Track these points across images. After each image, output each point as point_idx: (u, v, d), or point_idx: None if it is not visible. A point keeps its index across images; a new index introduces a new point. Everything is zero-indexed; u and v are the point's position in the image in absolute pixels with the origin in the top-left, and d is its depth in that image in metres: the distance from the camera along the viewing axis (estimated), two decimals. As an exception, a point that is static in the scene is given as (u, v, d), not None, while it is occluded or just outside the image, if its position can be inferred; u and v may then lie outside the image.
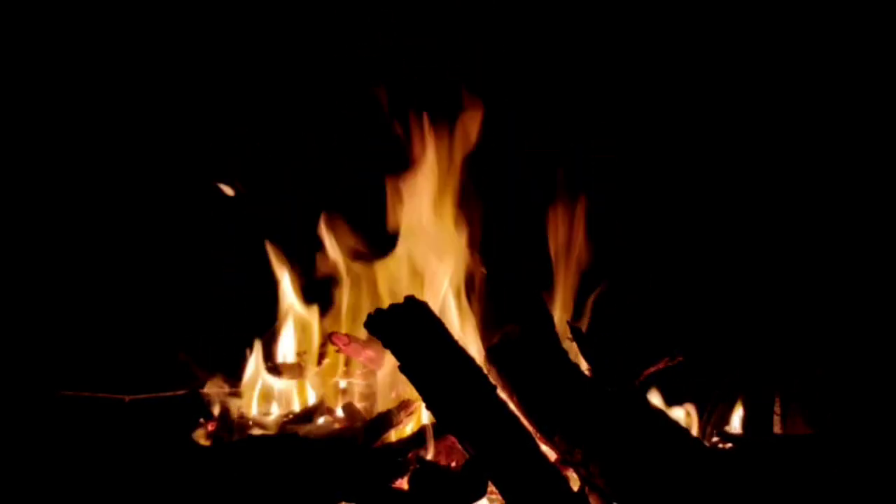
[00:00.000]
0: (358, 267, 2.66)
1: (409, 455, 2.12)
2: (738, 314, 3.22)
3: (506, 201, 2.99)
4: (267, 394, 2.63)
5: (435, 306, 2.19)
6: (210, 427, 2.44)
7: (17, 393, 2.60)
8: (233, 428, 2.44)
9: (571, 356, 2.24)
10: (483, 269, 2.56)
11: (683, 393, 2.51)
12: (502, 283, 2.53)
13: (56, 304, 3.24)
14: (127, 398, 2.54)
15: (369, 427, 2.23)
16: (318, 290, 2.75)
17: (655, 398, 2.49)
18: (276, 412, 2.56)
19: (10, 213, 3.28)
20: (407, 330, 2.04)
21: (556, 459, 2.05)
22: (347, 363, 2.68)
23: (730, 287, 3.32)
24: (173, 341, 2.85)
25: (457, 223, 2.58)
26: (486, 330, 2.47)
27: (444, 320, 2.15)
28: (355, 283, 2.67)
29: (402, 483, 2.07)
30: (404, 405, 2.31)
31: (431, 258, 2.52)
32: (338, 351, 2.63)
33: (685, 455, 1.96)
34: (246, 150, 3.42)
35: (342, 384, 2.64)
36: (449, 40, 3.18)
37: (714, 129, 3.39)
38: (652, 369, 2.48)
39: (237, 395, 2.59)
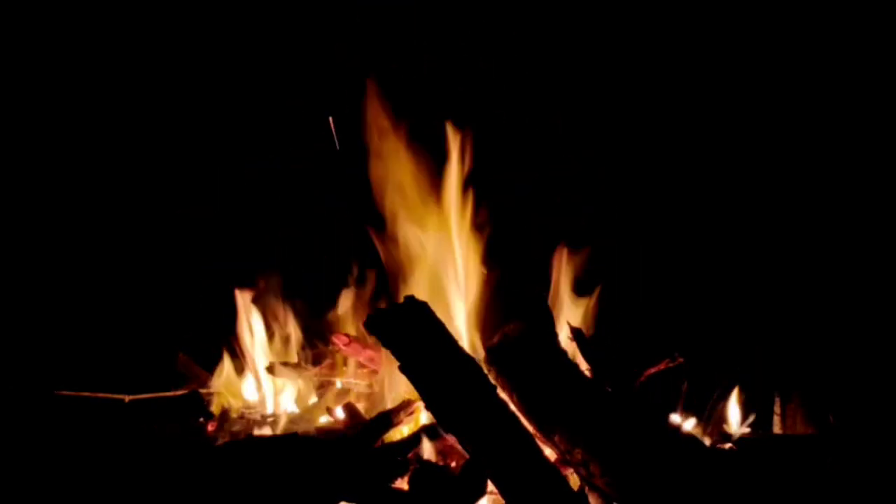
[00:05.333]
0: None
1: (409, 455, 2.11)
2: (738, 315, 3.22)
3: (506, 202, 2.98)
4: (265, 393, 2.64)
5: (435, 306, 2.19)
6: (210, 427, 2.44)
7: (16, 393, 2.59)
8: (232, 428, 2.45)
9: (571, 356, 2.24)
10: (485, 270, 2.56)
11: (683, 393, 2.51)
12: (504, 284, 2.53)
13: (55, 304, 3.25)
14: (127, 398, 2.54)
15: (369, 427, 2.23)
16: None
17: (655, 399, 2.49)
18: (276, 412, 2.56)
19: (10, 214, 3.28)
20: (407, 330, 2.04)
21: (556, 459, 2.05)
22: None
23: (730, 288, 3.32)
24: (173, 341, 2.85)
25: (463, 226, 2.58)
26: (486, 330, 2.47)
27: (445, 320, 2.14)
28: None
29: (402, 483, 2.07)
30: (404, 405, 2.31)
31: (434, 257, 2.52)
32: (338, 351, 2.63)
33: (685, 455, 1.96)
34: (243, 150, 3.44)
35: (342, 384, 2.65)
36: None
37: (714, 130, 3.39)
38: (652, 370, 2.48)
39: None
